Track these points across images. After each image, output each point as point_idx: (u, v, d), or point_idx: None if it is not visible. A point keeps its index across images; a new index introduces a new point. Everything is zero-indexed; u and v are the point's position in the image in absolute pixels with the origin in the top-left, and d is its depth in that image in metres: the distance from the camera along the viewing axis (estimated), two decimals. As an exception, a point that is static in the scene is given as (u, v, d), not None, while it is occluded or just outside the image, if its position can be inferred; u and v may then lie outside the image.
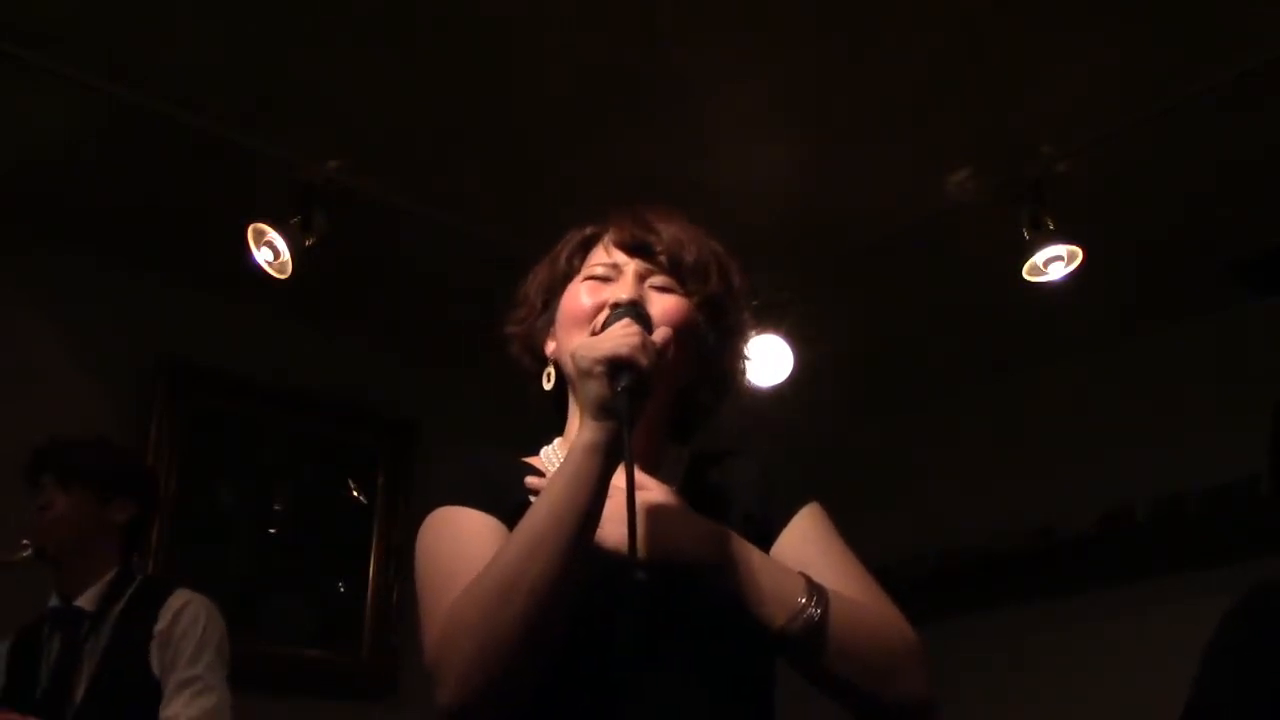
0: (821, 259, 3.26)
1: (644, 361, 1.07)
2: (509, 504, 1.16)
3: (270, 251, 2.85)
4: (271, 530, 3.58)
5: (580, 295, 1.25)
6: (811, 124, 2.85)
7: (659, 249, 1.27)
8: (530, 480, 1.20)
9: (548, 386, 1.29)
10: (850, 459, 4.31)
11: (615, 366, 1.07)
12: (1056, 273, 2.88)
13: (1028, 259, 2.86)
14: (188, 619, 2.24)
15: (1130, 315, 3.61)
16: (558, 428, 1.33)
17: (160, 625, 2.23)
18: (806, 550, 1.19)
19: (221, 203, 3.00)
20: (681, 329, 1.21)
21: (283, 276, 2.87)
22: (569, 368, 1.18)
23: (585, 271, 1.28)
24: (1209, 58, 2.55)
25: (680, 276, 1.26)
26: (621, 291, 1.22)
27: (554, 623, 1.03)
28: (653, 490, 1.15)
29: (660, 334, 1.14)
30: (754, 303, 3.27)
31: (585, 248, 1.32)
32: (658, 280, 1.25)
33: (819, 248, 3.24)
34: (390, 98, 2.74)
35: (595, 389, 1.07)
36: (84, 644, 2.22)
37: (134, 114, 2.72)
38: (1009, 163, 2.86)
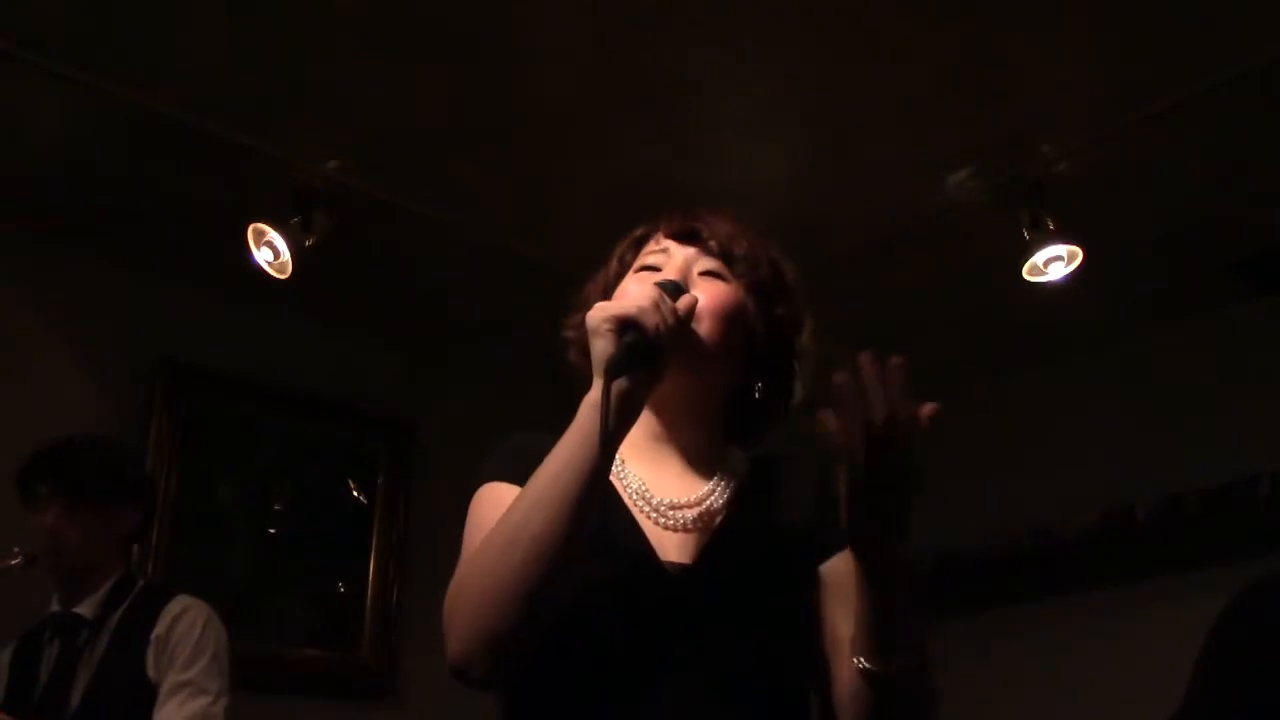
0: (821, 259, 3.26)
1: (651, 321, 1.08)
2: None
3: (270, 251, 2.85)
4: (271, 530, 3.58)
5: (629, 286, 1.26)
6: (811, 124, 2.85)
7: (708, 236, 1.28)
8: None
9: None
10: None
11: (623, 325, 1.08)
12: (1056, 273, 2.88)
13: (1028, 259, 2.86)
14: (185, 624, 2.23)
15: (1130, 315, 3.61)
16: None
17: (158, 630, 2.22)
18: (849, 589, 1.18)
19: (221, 203, 3.00)
20: (725, 312, 1.22)
21: (282, 276, 2.87)
22: None
23: (637, 264, 1.29)
24: (1209, 57, 2.55)
25: (729, 262, 1.27)
26: (668, 274, 1.22)
27: (554, 579, 1.03)
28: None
29: (685, 300, 1.15)
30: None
31: (638, 246, 1.33)
32: (705, 265, 1.26)
33: (818, 247, 3.24)
34: (390, 98, 2.74)
35: (601, 346, 1.08)
36: (82, 650, 2.22)
37: (134, 114, 2.72)
38: (1009, 163, 2.86)
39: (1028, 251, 2.85)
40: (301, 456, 3.67)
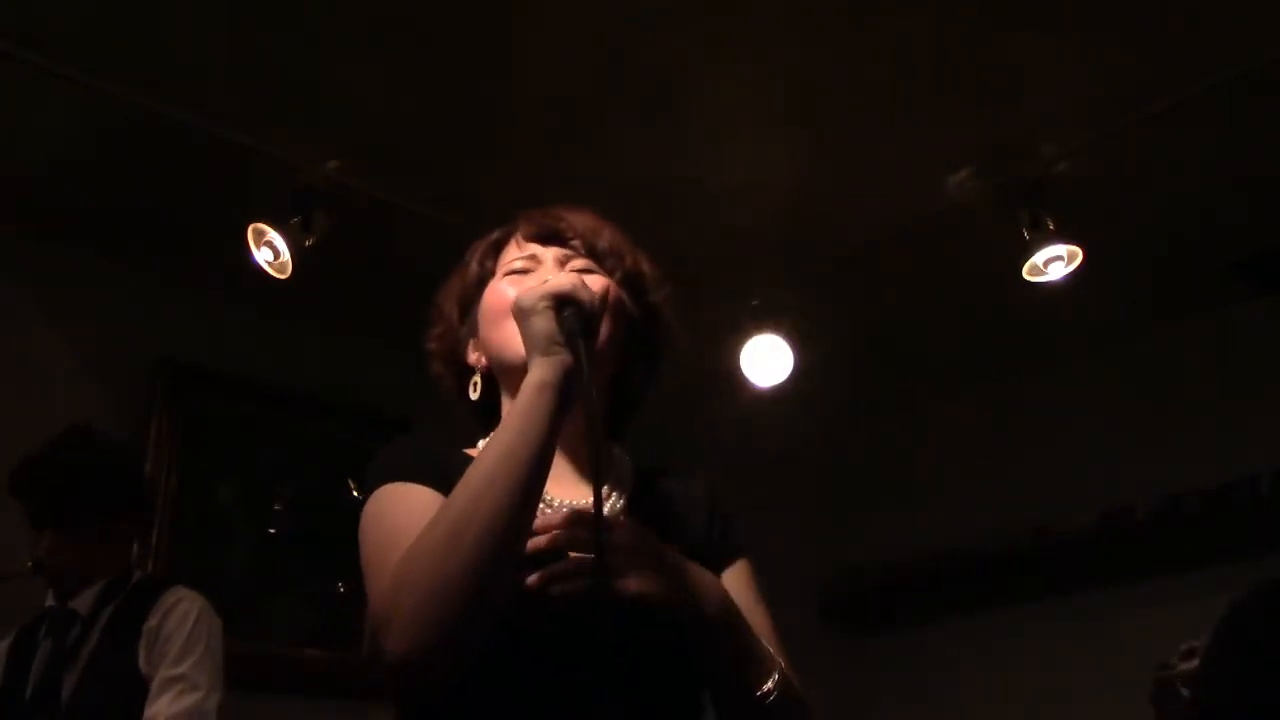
0: (821, 259, 3.26)
1: (586, 297, 1.08)
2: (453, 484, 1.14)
3: (270, 251, 2.85)
4: (271, 530, 3.58)
5: (504, 290, 1.24)
6: (811, 124, 2.85)
7: (571, 235, 1.27)
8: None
9: (474, 396, 1.27)
10: (850, 459, 4.31)
11: (559, 301, 1.07)
12: (1056, 273, 2.88)
13: (1028, 259, 2.86)
14: (177, 617, 2.23)
15: (1130, 315, 3.61)
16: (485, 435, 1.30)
17: (150, 622, 2.22)
18: (741, 603, 1.20)
19: (221, 203, 3.00)
20: (614, 305, 1.21)
21: (283, 276, 2.87)
22: (500, 352, 1.18)
23: (502, 270, 1.27)
24: (1209, 57, 2.55)
25: (597, 258, 1.27)
26: (546, 275, 1.21)
27: (504, 569, 1.01)
28: (641, 530, 1.13)
29: (598, 282, 1.15)
30: (754, 303, 3.32)
31: (496, 250, 1.32)
32: (577, 263, 1.25)
33: (819, 247, 3.24)
34: (390, 98, 2.74)
35: (541, 324, 1.07)
36: (75, 645, 2.22)
37: (134, 114, 2.72)
38: (1009, 163, 2.86)
39: (1028, 251, 2.85)
40: (301, 456, 3.66)
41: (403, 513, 1.10)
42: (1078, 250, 2.84)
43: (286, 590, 3.52)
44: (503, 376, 1.25)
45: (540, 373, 1.06)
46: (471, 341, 1.29)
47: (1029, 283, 2.92)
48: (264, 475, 3.60)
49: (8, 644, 2.33)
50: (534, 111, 2.79)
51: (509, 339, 1.18)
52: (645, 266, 1.32)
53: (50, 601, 2.30)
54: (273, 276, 2.87)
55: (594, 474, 1.03)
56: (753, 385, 3.39)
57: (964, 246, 3.22)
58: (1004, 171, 2.89)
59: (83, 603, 2.27)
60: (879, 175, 2.99)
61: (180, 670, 2.17)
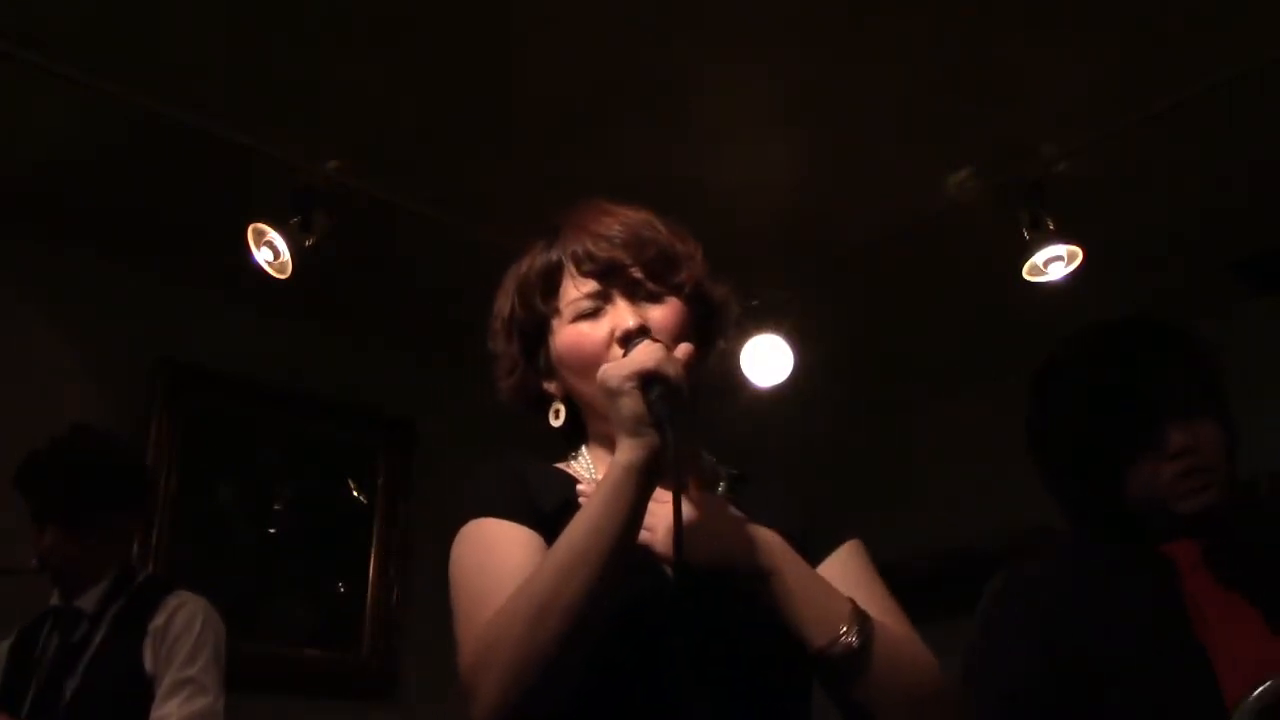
0: (822, 259, 3.26)
1: (672, 372, 1.07)
2: (542, 513, 1.16)
3: (270, 251, 2.85)
4: (271, 530, 3.58)
5: (581, 334, 1.22)
6: (812, 124, 2.85)
7: (627, 262, 1.24)
8: (582, 487, 1.21)
9: (556, 423, 1.28)
10: (850, 459, 4.31)
11: (645, 380, 1.06)
12: (1056, 273, 2.88)
13: (1028, 259, 2.86)
14: (183, 619, 2.24)
15: (1130, 315, 3.61)
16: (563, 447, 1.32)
17: (155, 623, 2.23)
18: (849, 583, 1.19)
19: (221, 203, 3.00)
20: (685, 331, 1.21)
21: (283, 276, 2.87)
22: (585, 396, 1.21)
23: (570, 311, 1.24)
24: (1208, 58, 2.55)
25: (655, 276, 1.24)
26: (626, 319, 1.19)
27: (589, 640, 1.04)
28: (702, 495, 1.15)
29: (682, 349, 1.12)
30: (754, 303, 3.31)
31: (550, 283, 1.28)
32: (643, 291, 1.24)
33: (819, 247, 3.24)
34: (390, 98, 2.74)
35: (629, 405, 1.06)
36: (80, 643, 2.23)
37: (134, 114, 2.72)
38: (1009, 163, 2.86)
39: (1028, 251, 2.85)
40: (301, 456, 3.67)
41: (494, 557, 1.13)
42: (1078, 250, 2.84)
43: (286, 590, 3.52)
44: (591, 409, 1.26)
45: (629, 455, 1.06)
46: (550, 374, 1.29)
47: (1029, 283, 2.92)
48: (264, 475, 3.60)
49: (9, 644, 2.34)
50: (534, 111, 2.79)
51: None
52: (687, 250, 1.29)
53: (55, 600, 2.31)
54: (273, 276, 2.87)
55: (676, 562, 1.02)
56: (753, 385, 3.39)
57: (964, 246, 3.22)
58: (1004, 171, 2.89)
59: (88, 600, 2.28)
60: (879, 175, 2.99)
61: (190, 673, 2.18)
